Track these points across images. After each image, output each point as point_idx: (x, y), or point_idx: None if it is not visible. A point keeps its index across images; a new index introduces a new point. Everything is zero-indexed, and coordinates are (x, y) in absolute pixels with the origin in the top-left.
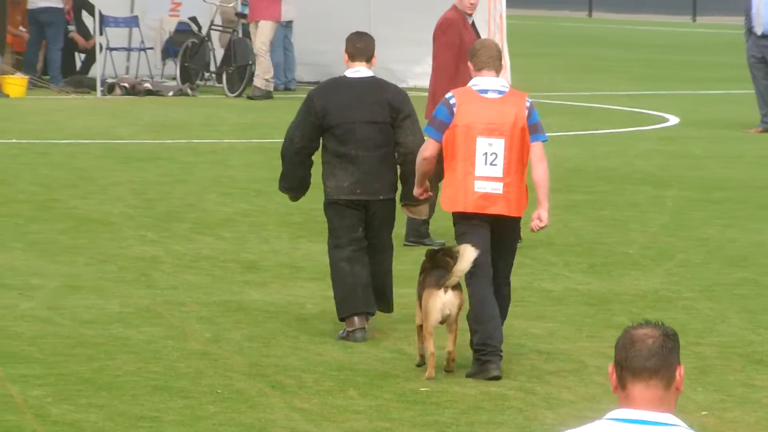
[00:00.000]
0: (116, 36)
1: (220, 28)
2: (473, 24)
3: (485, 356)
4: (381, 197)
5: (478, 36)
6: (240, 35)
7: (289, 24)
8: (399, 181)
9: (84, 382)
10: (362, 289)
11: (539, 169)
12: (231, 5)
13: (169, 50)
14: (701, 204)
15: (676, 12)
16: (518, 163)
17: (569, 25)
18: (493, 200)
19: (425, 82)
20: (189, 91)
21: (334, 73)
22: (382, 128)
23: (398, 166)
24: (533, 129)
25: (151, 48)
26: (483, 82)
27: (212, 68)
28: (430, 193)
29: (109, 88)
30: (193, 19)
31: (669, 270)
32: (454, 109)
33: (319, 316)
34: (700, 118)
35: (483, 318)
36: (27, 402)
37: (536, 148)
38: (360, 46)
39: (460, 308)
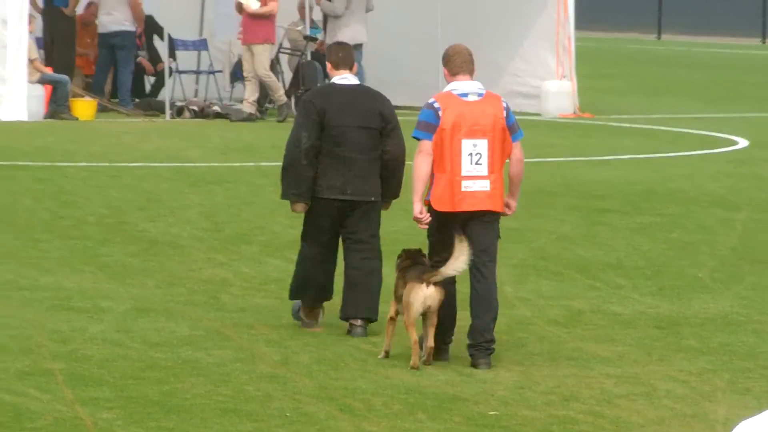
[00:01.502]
0: (185, 59)
1: (288, 51)
2: None
3: (477, 350)
4: (372, 198)
5: None
6: (308, 58)
7: (358, 47)
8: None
9: (153, 404)
10: (315, 289)
11: (516, 166)
12: (299, 28)
13: (237, 73)
14: None
15: (746, 34)
16: (500, 160)
17: (638, 47)
18: (481, 198)
19: None
20: (257, 114)
21: (404, 97)
22: (372, 134)
23: (381, 169)
24: (512, 129)
25: (220, 71)
26: (461, 86)
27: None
28: (428, 216)
29: (178, 111)
30: None
31: (739, 293)
32: (440, 113)
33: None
34: None
35: (479, 311)
36: (97, 425)
37: (516, 148)
38: (342, 55)
39: (440, 303)
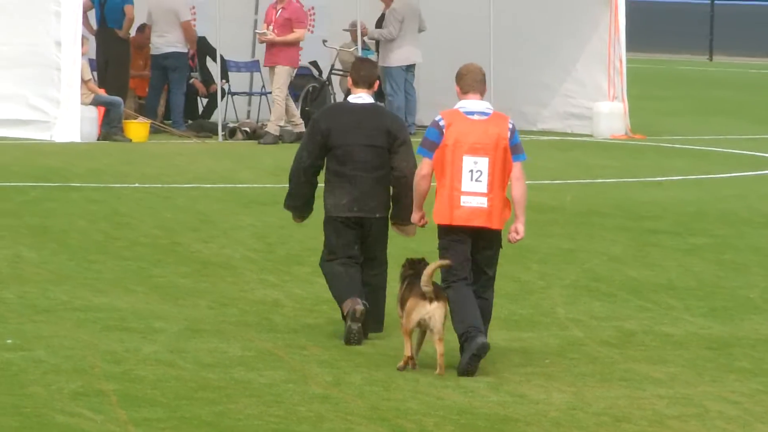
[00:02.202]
0: (238, 80)
1: (340, 73)
2: None
3: (470, 335)
4: (377, 215)
5: None
6: None
7: (410, 68)
8: (391, 201)
9: (206, 425)
10: (357, 285)
11: (518, 187)
12: (351, 49)
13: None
14: None
15: None
16: (501, 179)
17: (690, 68)
18: (478, 214)
19: (554, 125)
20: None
21: None
22: (379, 152)
23: (392, 188)
24: (515, 150)
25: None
26: (469, 104)
27: None
28: (426, 220)
29: (231, 133)
30: (314, 64)
31: None
32: (444, 130)
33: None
34: None
35: (465, 317)
36: None
37: (516, 168)
38: (363, 74)
39: (444, 318)
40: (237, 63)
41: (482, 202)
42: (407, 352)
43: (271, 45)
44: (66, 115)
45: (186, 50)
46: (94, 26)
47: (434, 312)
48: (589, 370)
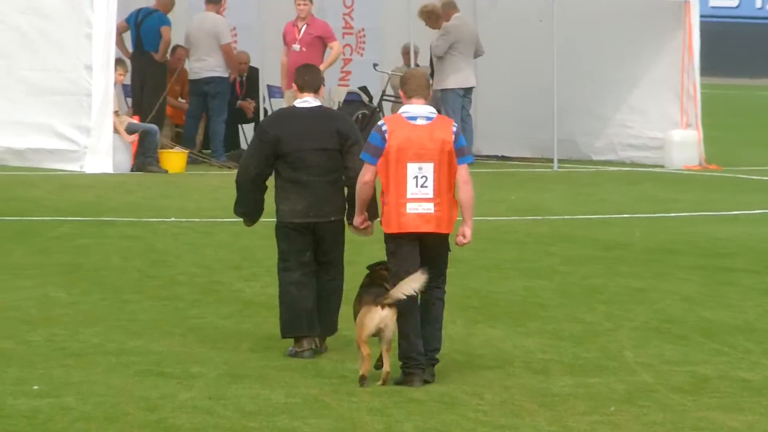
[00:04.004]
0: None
1: (392, 98)
2: None
3: (408, 369)
4: (332, 219)
5: None
6: None
7: (468, 93)
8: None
9: None
10: (307, 314)
11: (465, 191)
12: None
13: None
14: None
15: None
16: (447, 184)
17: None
18: (426, 219)
19: (620, 156)
20: None
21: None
22: (331, 155)
23: (346, 189)
24: (459, 152)
25: None
26: (412, 109)
27: None
28: (369, 223)
29: None
30: (364, 89)
31: None
32: (386, 135)
33: (500, 406)
34: None
35: (404, 331)
36: None
37: (462, 171)
38: (308, 78)
39: (395, 325)
40: (281, 89)
41: (429, 208)
42: (366, 365)
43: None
44: (97, 144)
45: (227, 75)
46: (130, 49)
47: (388, 320)
48: (660, 419)
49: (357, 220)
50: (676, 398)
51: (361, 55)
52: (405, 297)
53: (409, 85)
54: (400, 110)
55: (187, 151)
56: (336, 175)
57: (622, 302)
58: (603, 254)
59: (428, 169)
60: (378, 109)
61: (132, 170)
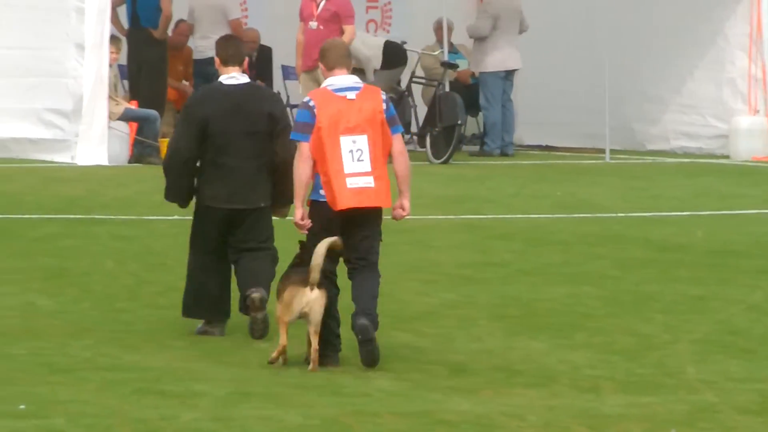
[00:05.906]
0: (296, 90)
1: (423, 81)
2: None
3: (324, 351)
4: (261, 204)
5: None
6: (447, 89)
7: (509, 75)
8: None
9: None
10: (210, 300)
11: (401, 162)
12: (436, 53)
13: None
14: None
15: None
16: (383, 156)
17: None
18: (367, 194)
19: (665, 146)
20: None
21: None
22: (260, 138)
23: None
24: (392, 122)
25: None
26: (337, 81)
27: (413, 129)
28: (308, 221)
29: None
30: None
31: None
32: (315, 111)
33: (544, 429)
34: None
35: (359, 296)
36: None
37: (397, 141)
38: (232, 52)
39: (323, 308)
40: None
41: (369, 182)
42: (283, 341)
43: (315, 45)
44: (90, 133)
45: None
46: (125, 25)
47: (314, 302)
48: None
49: (297, 213)
50: (742, 420)
51: (387, 31)
52: (321, 257)
53: (329, 57)
54: (324, 83)
55: None
56: (264, 159)
57: (681, 312)
58: (659, 257)
59: (362, 141)
60: (407, 93)
61: (129, 162)
